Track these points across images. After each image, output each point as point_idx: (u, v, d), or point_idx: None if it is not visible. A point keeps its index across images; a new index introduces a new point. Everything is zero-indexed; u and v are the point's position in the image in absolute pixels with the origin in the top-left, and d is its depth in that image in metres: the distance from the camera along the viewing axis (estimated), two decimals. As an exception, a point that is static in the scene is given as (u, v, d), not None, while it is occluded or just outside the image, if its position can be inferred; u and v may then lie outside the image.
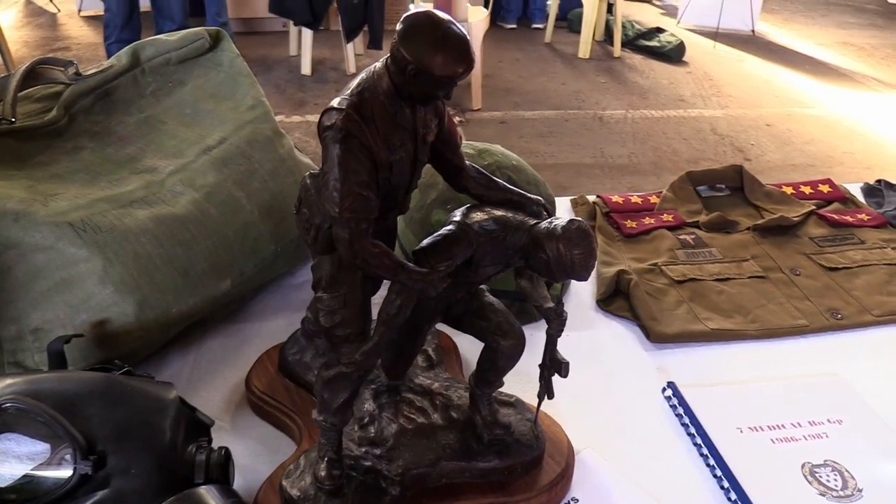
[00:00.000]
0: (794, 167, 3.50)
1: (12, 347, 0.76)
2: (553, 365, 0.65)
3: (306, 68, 4.41)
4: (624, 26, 5.22)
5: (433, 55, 0.50)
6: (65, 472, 0.58)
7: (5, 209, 0.75)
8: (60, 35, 4.95)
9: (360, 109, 0.51)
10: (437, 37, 0.50)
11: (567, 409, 0.77)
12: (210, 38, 1.03)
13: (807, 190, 1.30)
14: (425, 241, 0.59)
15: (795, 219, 1.18)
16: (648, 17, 6.03)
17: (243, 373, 0.81)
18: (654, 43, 5.13)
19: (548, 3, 5.49)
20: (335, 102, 0.51)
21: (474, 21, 3.94)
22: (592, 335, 0.93)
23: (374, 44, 4.35)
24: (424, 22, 0.51)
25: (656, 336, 0.93)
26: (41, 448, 0.60)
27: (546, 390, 0.66)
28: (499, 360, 0.65)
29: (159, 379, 0.69)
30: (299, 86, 4.26)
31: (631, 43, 5.22)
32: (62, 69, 0.96)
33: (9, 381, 0.62)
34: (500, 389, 0.70)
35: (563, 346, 0.89)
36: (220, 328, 0.90)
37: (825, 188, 1.31)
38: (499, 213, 0.59)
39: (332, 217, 0.52)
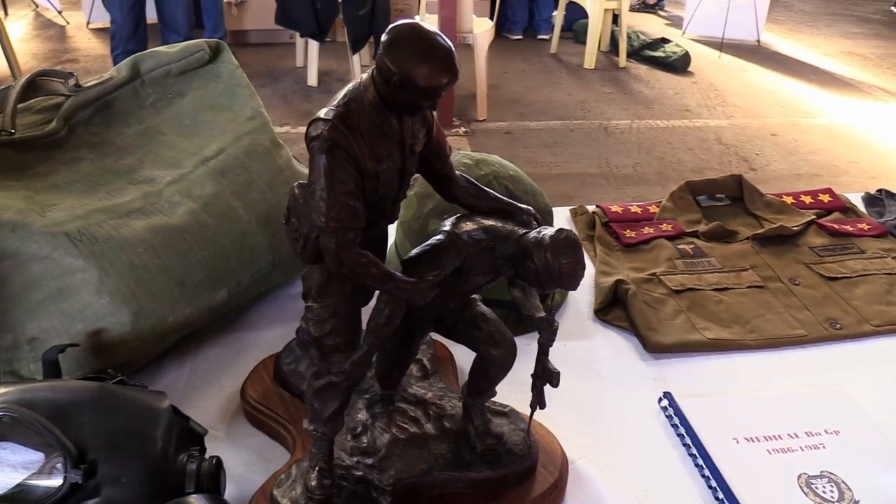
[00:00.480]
0: (800, 177, 3.49)
1: (8, 357, 0.77)
2: (544, 375, 0.65)
3: (313, 79, 4.43)
4: (629, 37, 5.23)
5: (417, 66, 0.50)
6: (56, 481, 0.58)
7: (1, 219, 0.75)
8: (69, 47, 5.00)
9: (346, 120, 0.51)
10: (421, 48, 0.51)
11: (562, 420, 0.77)
12: (210, 49, 1.04)
13: (807, 199, 1.29)
14: (414, 251, 0.59)
15: (795, 228, 1.18)
16: (654, 27, 6.04)
17: (239, 382, 0.81)
18: (659, 53, 5.13)
19: (553, 14, 5.51)
20: (321, 113, 0.52)
21: (479, 32, 3.96)
22: (589, 345, 0.93)
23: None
24: (409, 33, 0.52)
25: (653, 346, 0.92)
26: (37, 457, 0.61)
27: (538, 400, 0.66)
28: (490, 370, 0.65)
29: (155, 388, 0.69)
30: (306, 97, 4.28)
31: (636, 53, 5.23)
32: (62, 81, 0.96)
33: (2, 390, 0.62)
34: (494, 399, 0.70)
35: (560, 356, 0.89)
36: (216, 338, 0.90)
37: (825, 198, 1.31)
38: (488, 222, 0.59)
39: (318, 227, 0.52)
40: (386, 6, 4.36)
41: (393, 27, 0.52)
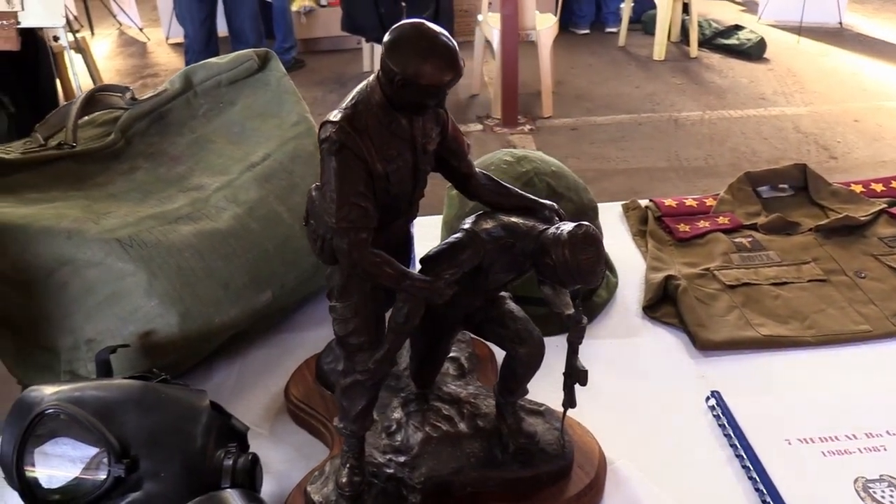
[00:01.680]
0: (885, 164, 3.31)
1: (68, 357, 0.81)
2: (573, 374, 0.63)
3: (378, 83, 4.49)
4: (701, 25, 5.07)
5: (419, 64, 0.51)
6: (101, 475, 0.61)
7: (60, 227, 0.79)
8: (150, 63, 5.23)
9: (354, 121, 0.52)
10: (422, 47, 0.51)
11: (604, 419, 0.75)
12: (258, 59, 1.07)
13: (878, 187, 1.22)
14: (433, 249, 0.59)
15: (863, 218, 1.12)
16: (727, 14, 5.83)
17: (284, 381, 0.83)
18: (732, 41, 4.96)
19: (621, 5, 5.40)
20: (330, 116, 0.53)
21: (542, 29, 3.92)
22: (636, 343, 0.91)
23: (444, 56, 4.39)
24: (411, 32, 0.52)
25: (703, 343, 0.89)
26: (92, 452, 0.64)
27: (568, 399, 0.65)
28: (517, 368, 0.64)
29: (206, 387, 0.72)
30: (371, 101, 4.33)
31: (708, 42, 5.07)
32: (120, 95, 1.01)
33: (55, 388, 0.66)
34: (530, 397, 0.69)
35: (606, 354, 0.88)
36: (263, 338, 0.92)
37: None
38: (508, 219, 0.59)
39: (330, 227, 0.53)
40: (450, 8, 4.38)
41: (395, 27, 0.52)
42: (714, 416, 0.79)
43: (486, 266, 0.59)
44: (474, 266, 0.58)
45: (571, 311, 0.61)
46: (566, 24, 5.32)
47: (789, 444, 0.75)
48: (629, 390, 0.83)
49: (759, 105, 4.08)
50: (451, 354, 0.77)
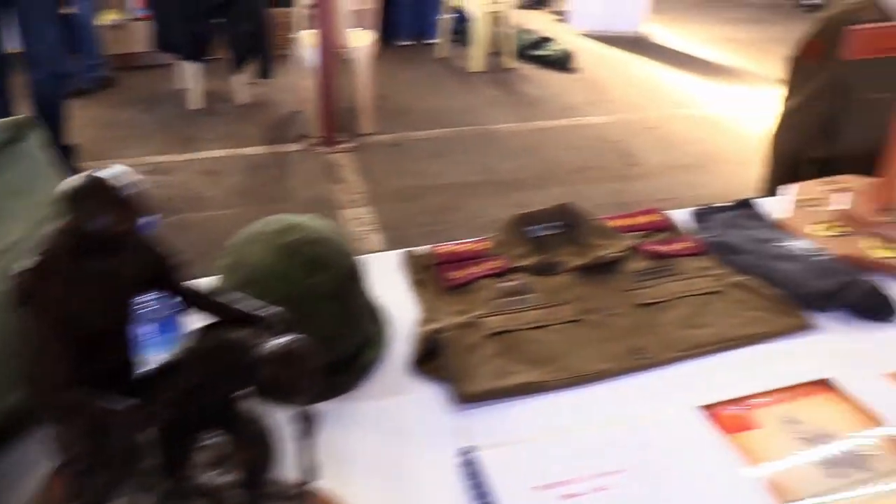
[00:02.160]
0: (674, 169, 3.64)
1: None
2: (305, 471, 0.66)
3: (195, 102, 4.34)
4: (514, 37, 5.32)
5: (97, 215, 0.52)
6: None
7: None
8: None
9: (45, 266, 0.53)
10: (100, 198, 0.53)
11: (365, 486, 0.79)
12: (16, 129, 1.01)
13: (632, 221, 1.33)
14: (151, 367, 0.60)
15: (613, 255, 1.21)
16: (544, 24, 6.15)
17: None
18: (542, 52, 5.24)
19: (439, 17, 5.53)
20: (18, 265, 0.53)
21: (360, 46, 3.96)
22: (401, 401, 0.94)
23: (264, 72, 4.33)
24: (88, 184, 0.53)
25: (464, 396, 0.94)
26: None
27: (306, 483, 0.68)
28: (253, 469, 0.66)
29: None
30: (188, 121, 4.18)
31: (521, 54, 5.33)
32: None
33: None
34: (289, 479, 0.71)
35: (371, 417, 0.92)
36: (21, 441, 0.88)
37: (651, 218, 1.35)
38: (227, 335, 0.61)
39: (27, 374, 0.53)
40: (266, 22, 4.31)
41: (72, 178, 0.54)
42: (464, 471, 0.85)
43: (208, 382, 0.60)
44: (196, 383, 0.60)
45: (302, 407, 0.64)
46: (389, 36, 5.39)
47: (533, 491, 0.82)
48: (389, 453, 0.86)
49: (569, 115, 4.34)
50: (208, 442, 0.78)
